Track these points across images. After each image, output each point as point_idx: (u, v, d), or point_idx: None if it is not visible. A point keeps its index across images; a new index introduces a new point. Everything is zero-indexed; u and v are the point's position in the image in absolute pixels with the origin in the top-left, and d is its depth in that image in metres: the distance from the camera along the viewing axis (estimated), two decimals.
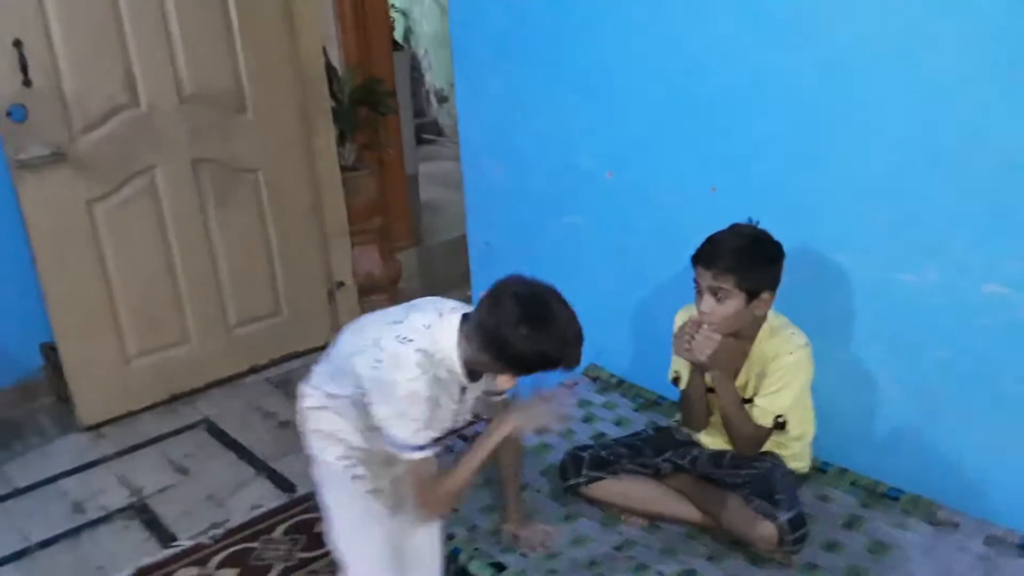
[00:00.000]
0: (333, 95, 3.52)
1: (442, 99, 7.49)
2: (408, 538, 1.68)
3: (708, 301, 1.80)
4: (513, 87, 2.49)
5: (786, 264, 1.86)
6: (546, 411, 1.62)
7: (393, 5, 5.66)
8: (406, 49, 6.22)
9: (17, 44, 2.60)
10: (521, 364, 1.49)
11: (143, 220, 3.02)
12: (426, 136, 7.29)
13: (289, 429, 3.02)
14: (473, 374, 1.56)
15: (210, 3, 2.97)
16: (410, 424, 1.50)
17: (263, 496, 2.62)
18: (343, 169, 3.56)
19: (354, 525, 1.66)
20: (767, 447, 1.90)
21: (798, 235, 1.92)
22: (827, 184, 1.93)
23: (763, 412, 1.85)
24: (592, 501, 1.94)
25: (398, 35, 5.52)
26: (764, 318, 1.86)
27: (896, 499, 1.92)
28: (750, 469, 1.84)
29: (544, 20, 2.35)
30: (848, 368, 2.01)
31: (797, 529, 1.68)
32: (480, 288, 1.77)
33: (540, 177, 2.52)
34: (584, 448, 1.97)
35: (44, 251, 2.82)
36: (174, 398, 3.22)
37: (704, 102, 2.08)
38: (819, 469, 2.02)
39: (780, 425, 1.85)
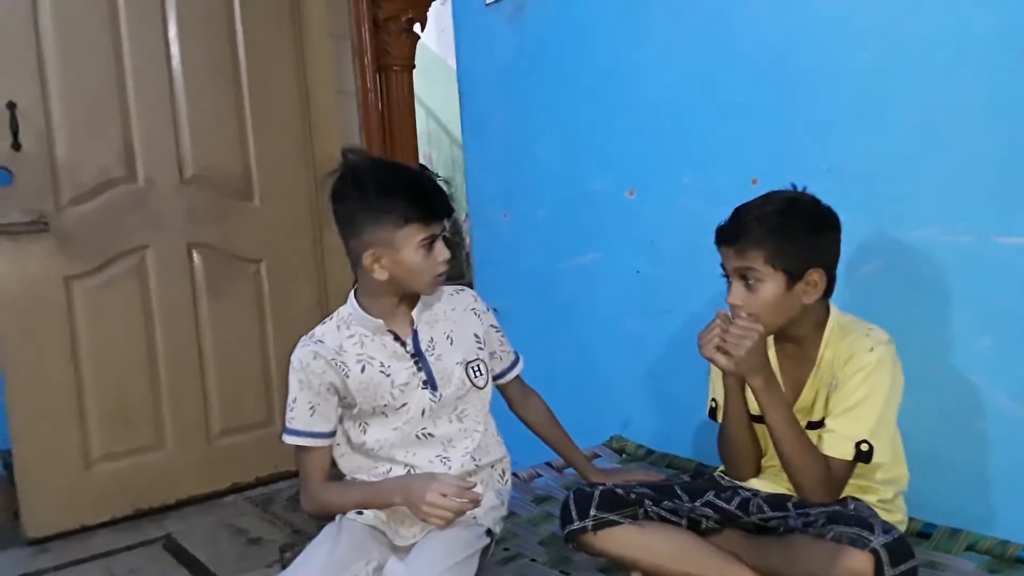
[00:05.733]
0: None
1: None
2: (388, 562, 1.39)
3: (737, 289, 1.38)
4: (521, 116, 2.25)
5: (855, 255, 1.45)
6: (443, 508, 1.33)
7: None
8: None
9: (11, 106, 2.49)
10: (382, 213, 1.35)
11: (127, 304, 2.74)
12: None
13: (259, 546, 2.53)
14: (392, 298, 1.43)
15: (223, 83, 2.87)
16: (289, 403, 1.45)
17: None
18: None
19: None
20: (846, 492, 1.39)
21: (867, 216, 1.52)
22: (896, 139, 1.54)
23: (837, 439, 1.36)
24: (602, 555, 1.40)
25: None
26: (825, 313, 1.42)
27: None
28: (823, 508, 1.31)
29: (549, 41, 2.15)
30: (946, 383, 1.51)
31: (900, 560, 1.13)
32: None
33: (550, 212, 2.20)
34: (594, 484, 1.46)
35: (11, 327, 2.54)
36: (139, 514, 2.76)
37: (734, 78, 1.77)
38: (919, 534, 1.47)
39: (864, 456, 1.35)
